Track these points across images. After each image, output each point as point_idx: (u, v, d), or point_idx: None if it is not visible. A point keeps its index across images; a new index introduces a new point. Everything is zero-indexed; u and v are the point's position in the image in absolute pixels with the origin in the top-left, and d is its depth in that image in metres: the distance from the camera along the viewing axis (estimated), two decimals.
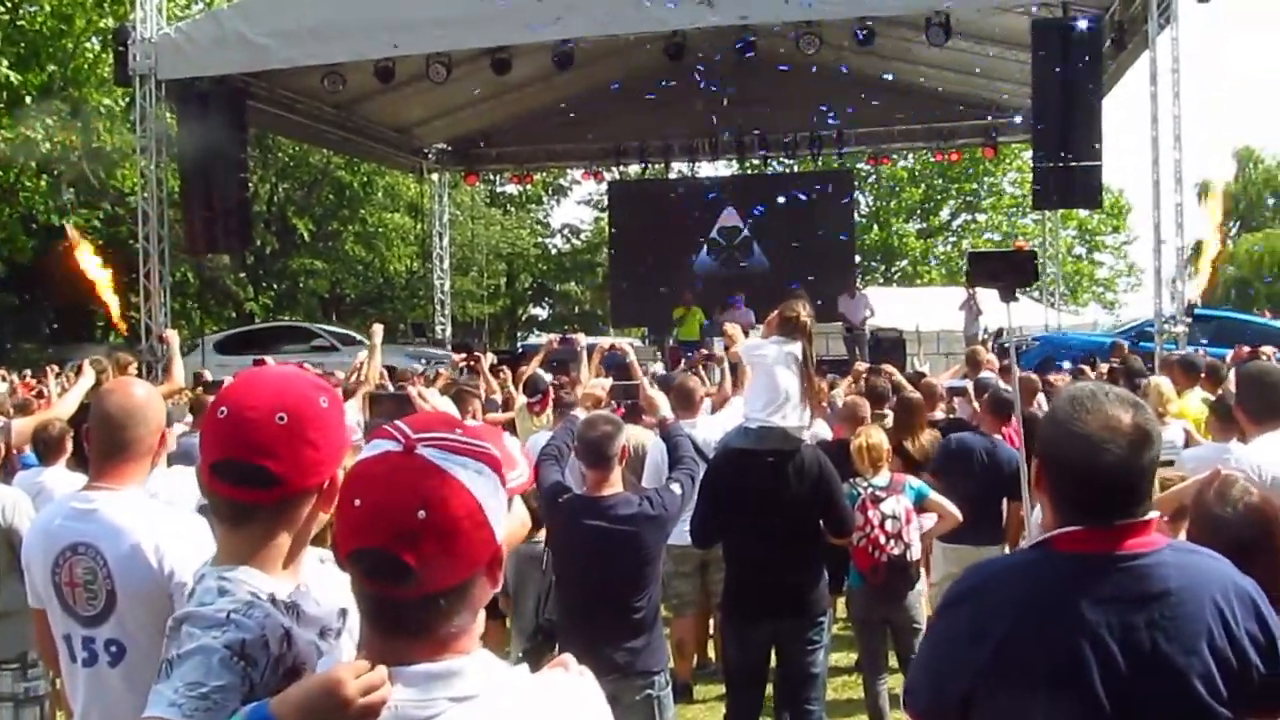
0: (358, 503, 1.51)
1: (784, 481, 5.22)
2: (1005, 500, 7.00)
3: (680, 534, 5.15)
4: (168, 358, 8.06)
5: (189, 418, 8.31)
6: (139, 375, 8.11)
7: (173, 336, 8.03)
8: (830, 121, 21.36)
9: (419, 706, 1.51)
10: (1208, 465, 4.73)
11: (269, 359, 8.01)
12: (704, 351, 14.31)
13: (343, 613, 1.94)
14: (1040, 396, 9.16)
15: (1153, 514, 2.18)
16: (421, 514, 1.47)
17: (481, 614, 1.61)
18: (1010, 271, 4.12)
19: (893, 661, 6.40)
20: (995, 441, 7.18)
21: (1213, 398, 7.23)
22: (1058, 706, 2.13)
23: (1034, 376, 9.82)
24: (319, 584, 1.98)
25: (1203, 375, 8.52)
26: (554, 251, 44.37)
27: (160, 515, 3.03)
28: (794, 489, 5.24)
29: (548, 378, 9.44)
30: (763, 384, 5.41)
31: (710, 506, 5.21)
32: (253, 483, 1.85)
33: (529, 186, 36.60)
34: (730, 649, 5.62)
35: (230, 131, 16.86)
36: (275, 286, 31.67)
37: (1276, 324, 17.50)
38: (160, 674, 1.72)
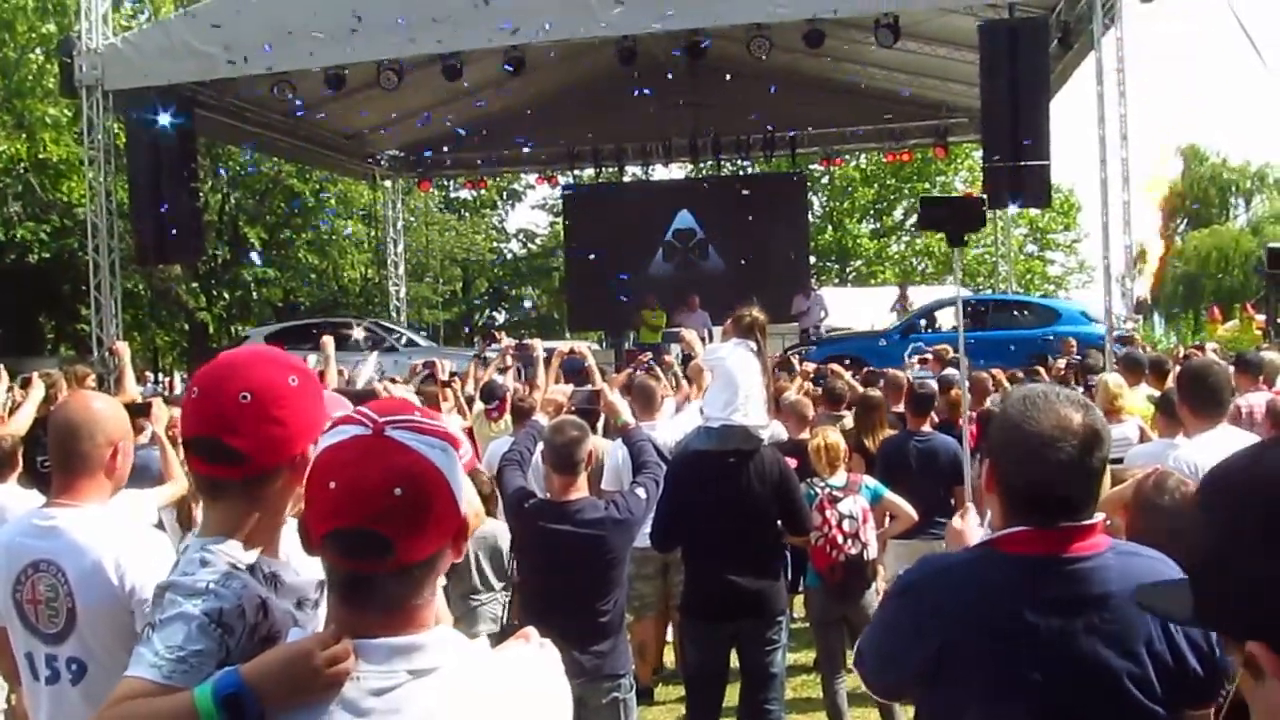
0: (333, 485, 1.57)
1: (744, 482, 5.25)
2: (951, 490, 7.12)
3: (642, 536, 5.17)
4: (119, 370, 7.97)
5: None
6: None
7: (123, 349, 7.96)
8: (775, 127, 21.50)
9: (382, 678, 1.58)
10: (1155, 462, 4.83)
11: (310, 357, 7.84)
12: (647, 355, 14.37)
13: (321, 584, 1.99)
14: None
15: (1098, 517, 2.22)
16: (398, 491, 1.55)
17: (441, 593, 1.71)
18: (957, 217, 4.20)
19: (850, 661, 6.45)
20: (929, 435, 7.28)
21: (1158, 393, 7.35)
22: (995, 709, 2.17)
23: (985, 375, 9.94)
24: (299, 556, 2.03)
25: (1147, 371, 8.66)
26: (510, 256, 44.27)
27: (122, 532, 3.02)
28: (754, 490, 5.26)
29: (506, 383, 9.41)
30: (722, 384, 5.44)
31: (670, 509, 5.22)
32: (220, 459, 1.93)
33: (483, 191, 36.47)
34: (690, 650, 5.64)
35: (179, 141, 16.70)
36: (228, 295, 31.34)
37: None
38: (142, 637, 1.80)
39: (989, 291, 24.62)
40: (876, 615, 2.44)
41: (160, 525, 4.92)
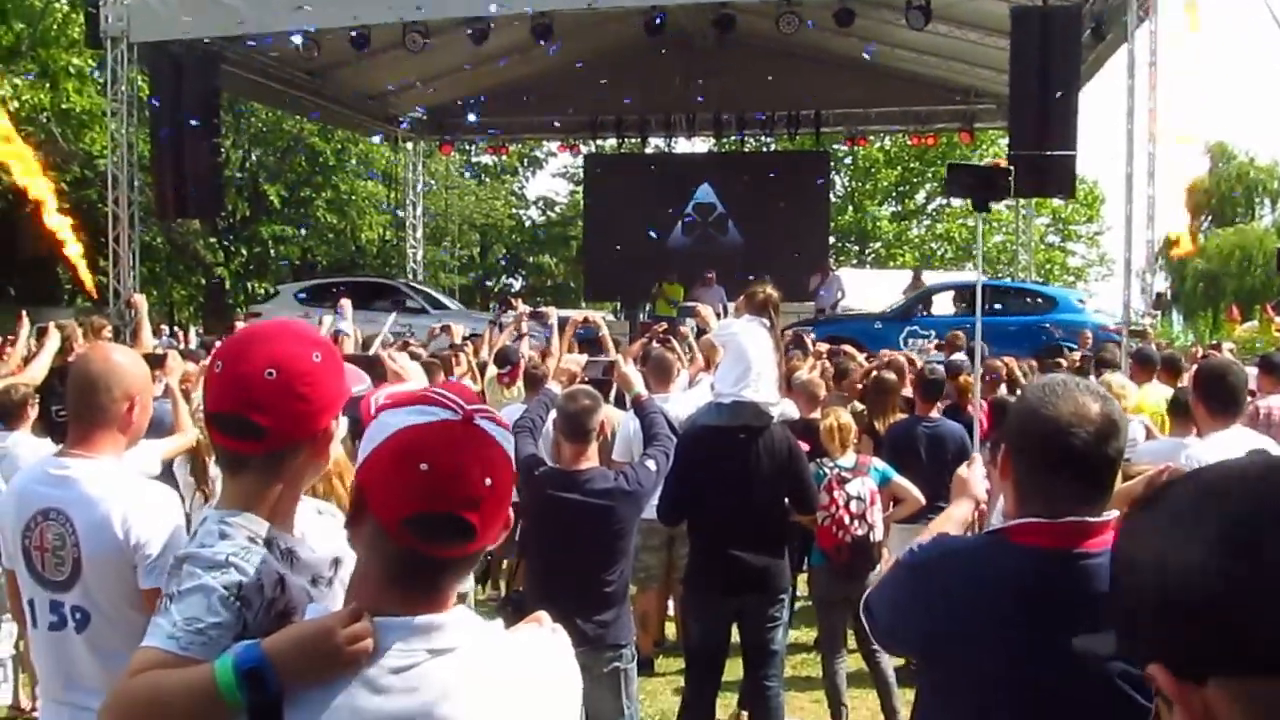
0: (424, 468, 1.56)
1: (752, 459, 5.25)
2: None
3: (650, 508, 5.18)
4: (135, 322, 7.99)
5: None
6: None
7: (141, 301, 7.97)
8: (800, 105, 21.35)
9: (401, 656, 1.59)
10: (1163, 460, 4.81)
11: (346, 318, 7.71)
12: (661, 326, 14.34)
13: (336, 562, 2.01)
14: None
15: (1112, 514, 2.21)
16: (488, 481, 1.58)
17: None
18: (984, 184, 4.20)
19: (852, 642, 6.47)
20: (936, 422, 7.26)
21: (1171, 390, 7.29)
22: (992, 696, 2.18)
23: (999, 363, 9.91)
24: (314, 533, 2.05)
25: (1159, 368, 8.59)
26: (528, 223, 44.22)
27: (132, 486, 3.04)
28: (762, 467, 5.27)
29: (521, 350, 9.43)
30: (733, 360, 5.43)
31: (677, 484, 5.22)
32: (244, 434, 1.92)
33: (504, 157, 36.39)
34: (691, 624, 5.66)
35: (202, 96, 16.69)
36: (246, 252, 31.42)
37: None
38: (160, 608, 1.79)
39: (1008, 279, 24.43)
40: (887, 578, 2.43)
41: (171, 477, 4.95)
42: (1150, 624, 1.03)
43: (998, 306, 16.06)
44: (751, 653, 5.45)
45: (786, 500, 5.46)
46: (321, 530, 2.07)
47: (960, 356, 10.83)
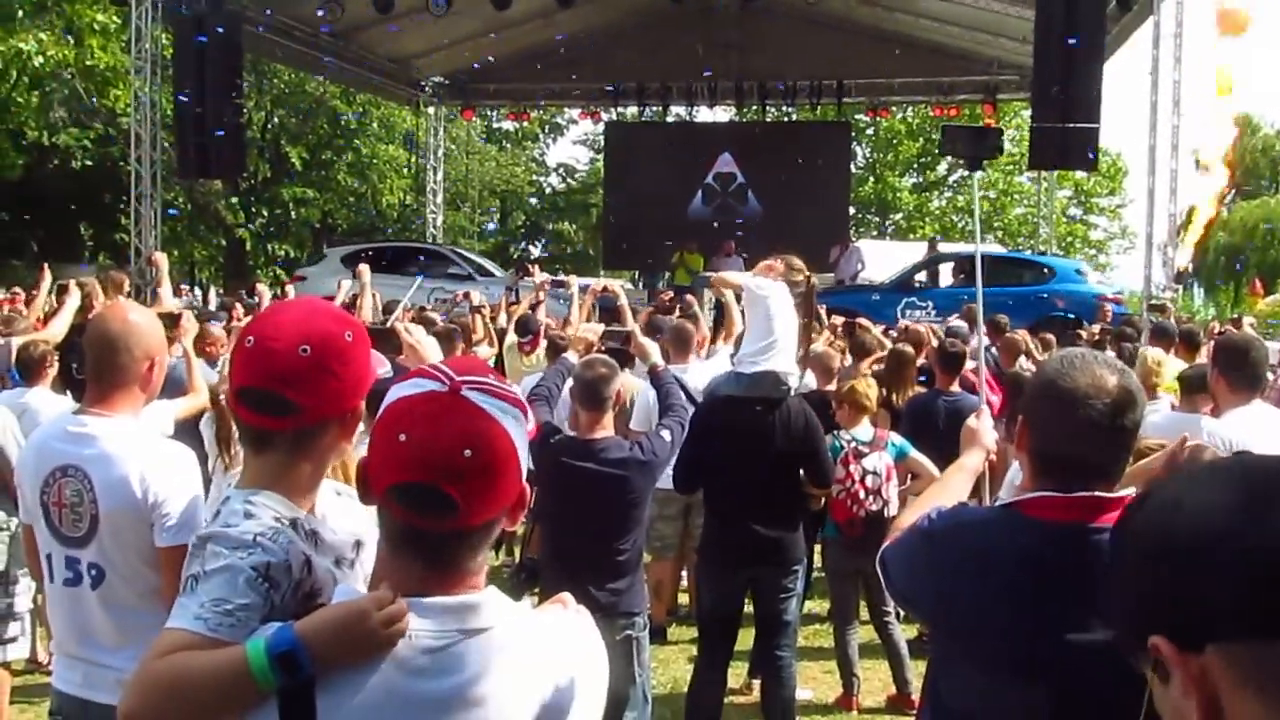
0: (403, 437, 1.56)
1: (770, 431, 5.25)
2: None
3: (665, 478, 5.19)
4: (156, 280, 8.01)
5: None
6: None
7: (162, 259, 7.98)
8: (822, 75, 21.18)
9: (434, 637, 1.58)
10: (1176, 435, 4.78)
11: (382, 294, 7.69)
12: (668, 294, 14.26)
13: (357, 544, 2.01)
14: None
15: (1127, 491, 2.20)
16: (468, 453, 1.54)
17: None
18: (976, 144, 4.26)
19: (864, 614, 6.49)
20: (956, 396, 7.22)
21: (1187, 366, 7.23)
22: (996, 668, 2.18)
23: (1018, 336, 9.87)
24: (335, 515, 2.04)
25: (1178, 341, 8.53)
26: (548, 190, 44.15)
27: (150, 445, 3.07)
28: (779, 438, 5.26)
29: (539, 318, 9.45)
30: (760, 325, 5.42)
31: (694, 452, 5.22)
32: (275, 411, 1.91)
33: (525, 124, 36.32)
34: (705, 594, 5.67)
35: (226, 56, 16.68)
36: (266, 214, 31.47)
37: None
38: (185, 589, 1.77)
39: (1028, 251, 24.29)
40: (904, 539, 2.43)
41: (197, 438, 4.97)
42: (1153, 590, 1.03)
43: (994, 277, 16.00)
44: (764, 623, 5.47)
45: (802, 473, 5.47)
46: (341, 511, 2.06)
47: (959, 324, 10.79)
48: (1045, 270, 17.28)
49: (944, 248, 21.17)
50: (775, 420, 5.27)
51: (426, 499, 1.54)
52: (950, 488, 2.76)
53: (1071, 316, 14.47)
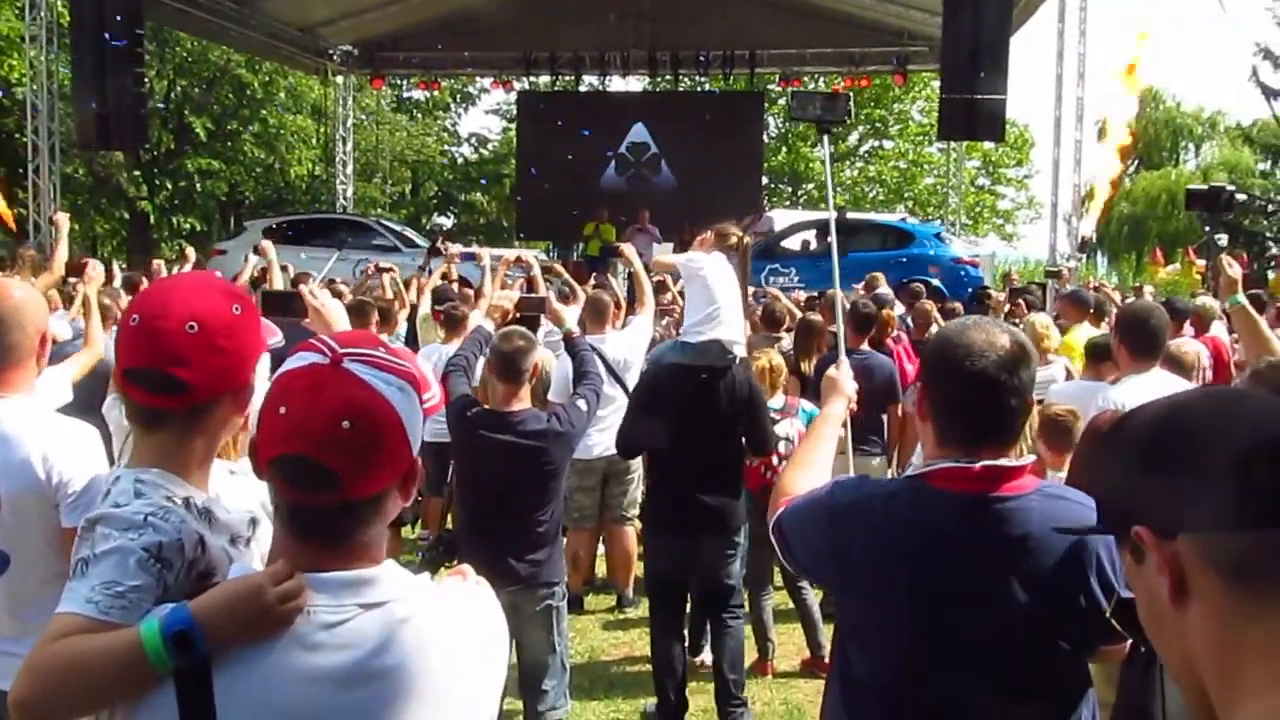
0: (283, 410, 1.55)
1: (714, 399, 5.32)
2: (886, 409, 7.36)
3: (584, 448, 5.21)
4: (54, 241, 7.74)
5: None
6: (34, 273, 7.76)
7: (63, 220, 7.69)
8: (734, 45, 21.23)
9: (331, 612, 1.57)
10: (1079, 402, 4.91)
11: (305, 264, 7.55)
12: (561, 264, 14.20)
13: (253, 522, 1.97)
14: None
15: (1028, 459, 2.27)
16: (346, 424, 1.52)
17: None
18: (826, 108, 4.40)
19: (778, 579, 6.56)
20: (866, 354, 7.37)
21: (1098, 333, 7.41)
22: (912, 637, 2.22)
23: (929, 305, 10.04)
24: (229, 493, 2.01)
25: (1091, 310, 8.75)
26: (460, 161, 43.69)
27: (51, 425, 3.00)
28: (723, 407, 5.34)
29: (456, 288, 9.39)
30: (700, 297, 5.47)
31: (638, 419, 5.30)
32: (164, 390, 1.86)
33: (436, 93, 35.86)
34: (651, 561, 5.74)
35: (126, 23, 16.22)
36: (170, 186, 30.69)
37: None
38: (75, 572, 1.73)
39: (937, 222, 24.67)
40: (803, 509, 2.43)
41: (100, 420, 4.85)
42: (1137, 488, 1.20)
43: (855, 242, 16.28)
44: (708, 587, 5.55)
45: (744, 440, 5.52)
46: (235, 490, 2.04)
47: (884, 290, 10.99)
48: (902, 235, 17.67)
49: (853, 216, 21.37)
50: (720, 388, 5.33)
51: (304, 471, 1.53)
52: (821, 438, 2.83)
53: (927, 280, 14.79)
